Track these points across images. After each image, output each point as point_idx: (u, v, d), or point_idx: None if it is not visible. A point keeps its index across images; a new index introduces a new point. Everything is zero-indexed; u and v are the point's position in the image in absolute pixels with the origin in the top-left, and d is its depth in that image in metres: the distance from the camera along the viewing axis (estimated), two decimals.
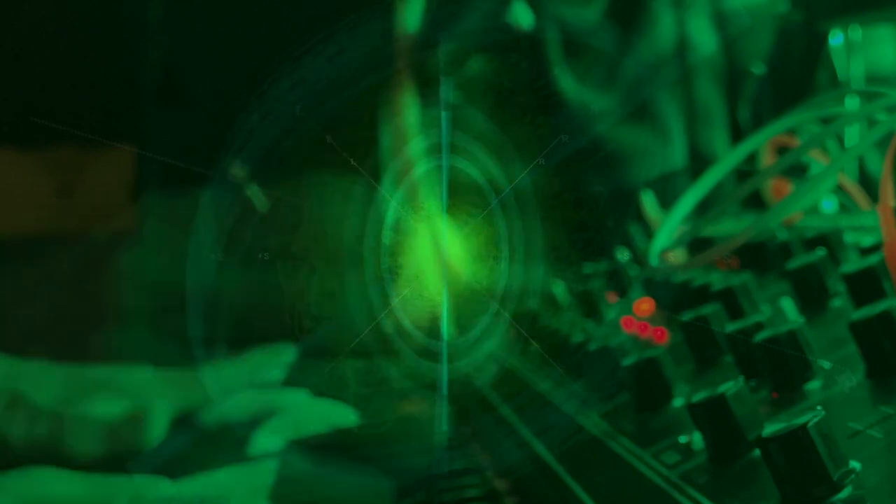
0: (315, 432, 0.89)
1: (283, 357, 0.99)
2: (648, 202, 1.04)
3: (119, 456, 0.89)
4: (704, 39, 1.41)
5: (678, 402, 0.72)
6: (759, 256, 0.90)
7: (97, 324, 1.19)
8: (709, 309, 0.76)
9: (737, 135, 1.41)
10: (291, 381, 0.97)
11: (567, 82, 1.27)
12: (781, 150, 1.01)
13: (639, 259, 1.01)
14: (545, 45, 1.27)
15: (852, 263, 0.69)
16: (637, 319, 0.91)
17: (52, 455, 0.88)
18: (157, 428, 0.91)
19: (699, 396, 0.60)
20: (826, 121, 0.92)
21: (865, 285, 0.66)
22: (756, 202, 1.07)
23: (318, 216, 0.81)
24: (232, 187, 0.79)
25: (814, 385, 0.62)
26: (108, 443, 0.90)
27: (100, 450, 0.89)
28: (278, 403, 0.91)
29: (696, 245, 0.93)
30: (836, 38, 1.29)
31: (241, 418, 0.89)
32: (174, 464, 0.82)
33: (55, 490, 0.72)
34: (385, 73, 0.80)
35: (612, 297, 0.98)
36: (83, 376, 0.92)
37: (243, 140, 0.77)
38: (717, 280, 0.83)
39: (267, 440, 0.84)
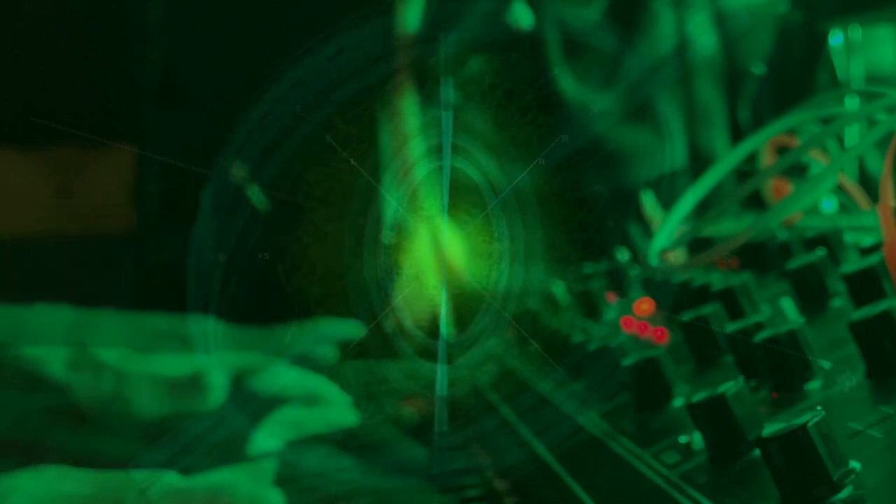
0: (315, 432, 0.89)
1: (346, 333, 0.98)
2: (648, 202, 1.04)
3: (179, 415, 0.89)
4: (704, 39, 1.41)
5: (678, 402, 0.72)
6: (759, 256, 0.90)
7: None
8: (709, 309, 0.76)
9: (737, 135, 1.41)
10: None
11: (567, 82, 1.26)
12: (781, 150, 1.01)
13: (639, 259, 1.01)
14: (545, 45, 1.27)
15: (852, 263, 0.69)
16: (637, 319, 0.91)
17: (117, 412, 0.88)
18: (217, 389, 0.91)
19: (699, 396, 0.60)
20: (826, 121, 0.92)
21: (865, 285, 0.66)
22: (756, 202, 1.07)
23: (318, 216, 0.81)
24: (232, 187, 0.79)
25: (814, 385, 0.62)
26: (169, 402, 0.90)
27: (162, 408, 0.89)
28: (319, 394, 0.91)
29: (696, 245, 0.93)
30: (836, 38, 1.29)
31: (285, 395, 0.89)
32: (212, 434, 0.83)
33: (64, 489, 0.73)
34: (385, 74, 0.80)
35: (611, 297, 0.98)
36: (147, 328, 0.92)
37: (243, 140, 0.77)
38: (717, 280, 0.83)
39: (267, 439, 0.84)
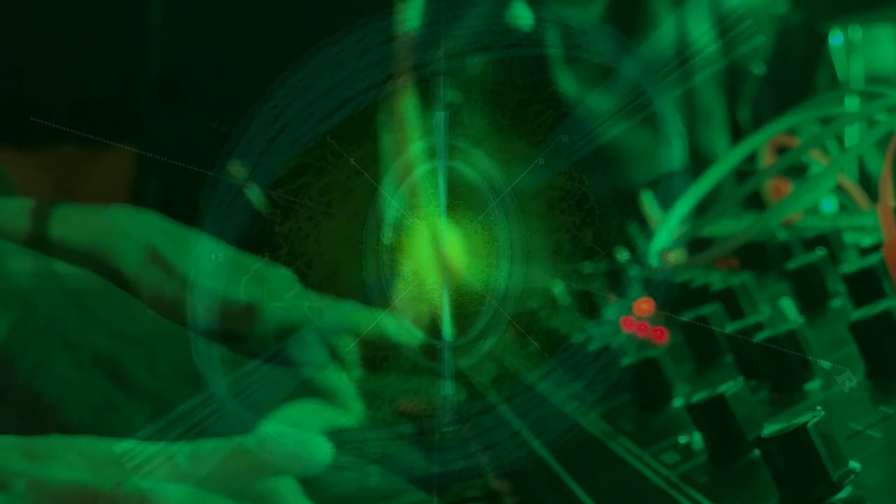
0: (316, 431, 0.89)
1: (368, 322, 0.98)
2: (648, 202, 1.04)
3: (227, 335, 0.91)
4: (704, 40, 1.41)
5: (678, 402, 0.72)
6: (759, 256, 0.91)
7: None
8: (709, 309, 0.76)
9: (737, 135, 1.41)
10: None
11: (567, 82, 1.26)
12: (781, 150, 1.01)
13: (639, 259, 1.01)
14: (545, 45, 1.27)
15: (852, 263, 0.69)
16: (637, 319, 0.91)
17: (174, 316, 0.91)
18: (266, 326, 0.93)
19: (699, 396, 0.60)
20: (826, 121, 0.92)
21: (865, 285, 0.66)
22: (756, 202, 1.07)
23: (318, 216, 0.81)
24: (232, 188, 0.79)
25: (814, 385, 0.62)
26: (222, 322, 0.92)
27: (214, 326, 0.92)
28: (329, 387, 0.92)
29: (696, 245, 0.93)
30: (836, 38, 1.29)
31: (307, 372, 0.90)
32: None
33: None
34: (385, 74, 0.80)
35: (612, 297, 0.98)
36: (229, 255, 0.94)
37: (243, 140, 0.77)
38: (717, 280, 0.83)
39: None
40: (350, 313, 0.95)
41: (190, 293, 0.90)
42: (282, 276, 0.95)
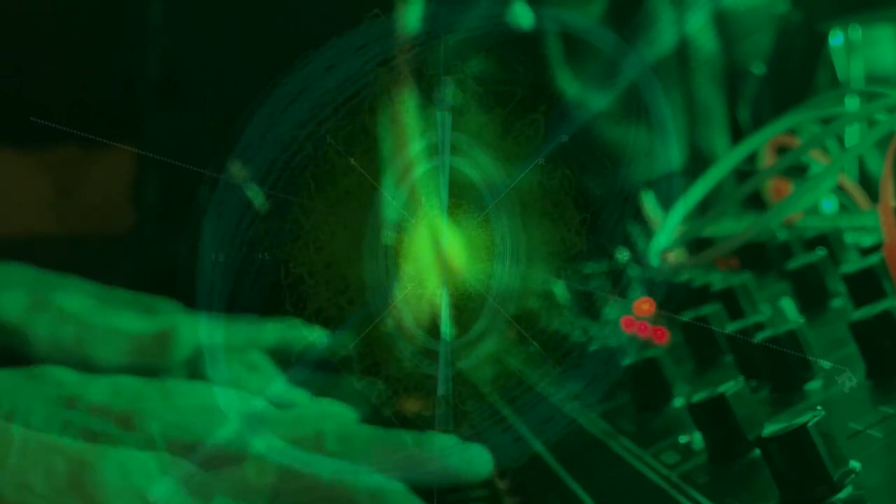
0: (312, 433, 0.89)
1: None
2: (648, 202, 1.04)
3: (143, 370, 0.88)
4: (705, 39, 1.41)
5: (678, 402, 0.72)
6: (759, 256, 0.90)
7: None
8: (709, 309, 0.76)
9: (737, 135, 1.41)
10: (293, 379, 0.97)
11: (567, 82, 1.26)
12: (781, 150, 1.01)
13: (639, 259, 1.01)
14: (545, 45, 1.27)
15: (852, 263, 0.69)
16: (637, 319, 0.91)
17: (78, 360, 0.88)
18: (183, 351, 0.91)
19: (699, 396, 0.60)
20: (826, 121, 0.92)
21: (865, 285, 0.66)
22: (756, 202, 1.07)
23: (318, 216, 0.81)
24: (232, 188, 0.79)
25: (814, 385, 0.62)
26: (133, 356, 0.89)
27: (125, 361, 0.89)
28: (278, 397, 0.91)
29: (696, 245, 0.93)
30: (836, 38, 1.29)
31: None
32: None
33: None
34: (386, 73, 0.80)
35: (612, 297, 0.98)
36: (112, 294, 0.92)
37: (244, 140, 0.77)
38: (717, 280, 0.83)
39: (261, 441, 0.84)
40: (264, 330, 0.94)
41: (90, 333, 0.88)
42: (167, 304, 0.93)
